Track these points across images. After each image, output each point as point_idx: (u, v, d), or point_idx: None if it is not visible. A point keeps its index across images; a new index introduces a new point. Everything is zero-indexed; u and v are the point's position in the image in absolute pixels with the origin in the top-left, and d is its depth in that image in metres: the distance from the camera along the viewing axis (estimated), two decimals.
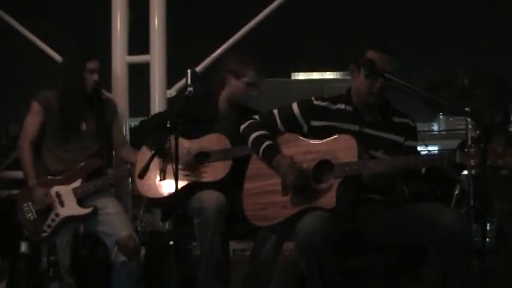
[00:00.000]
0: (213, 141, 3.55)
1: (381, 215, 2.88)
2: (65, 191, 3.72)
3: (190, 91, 3.19)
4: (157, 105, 4.84)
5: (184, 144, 3.51)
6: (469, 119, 3.95)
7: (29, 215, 3.71)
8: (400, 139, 3.01)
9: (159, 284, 3.94)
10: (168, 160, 3.33)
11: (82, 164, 3.78)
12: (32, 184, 3.71)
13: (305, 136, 3.05)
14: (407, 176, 2.88)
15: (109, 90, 4.80)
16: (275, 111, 3.15)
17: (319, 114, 3.05)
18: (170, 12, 4.94)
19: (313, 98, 3.10)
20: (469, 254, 2.74)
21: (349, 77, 3.08)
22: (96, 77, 3.81)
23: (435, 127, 40.92)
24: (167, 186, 3.46)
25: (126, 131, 4.63)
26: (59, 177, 3.76)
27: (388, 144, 2.98)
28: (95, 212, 3.68)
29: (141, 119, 4.00)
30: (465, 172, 3.72)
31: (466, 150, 2.67)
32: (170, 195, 3.38)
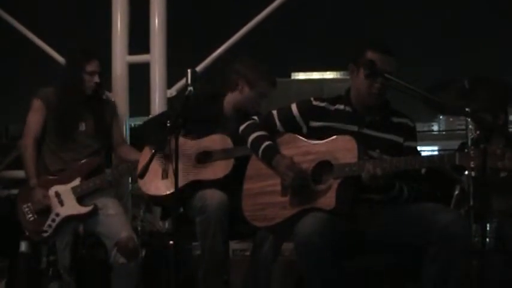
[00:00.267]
0: (215, 141, 3.55)
1: (381, 215, 2.88)
2: (64, 190, 3.72)
3: (190, 91, 3.19)
4: (157, 105, 4.84)
5: (187, 143, 3.51)
6: (469, 120, 3.94)
7: (29, 216, 3.71)
8: (399, 139, 3.00)
9: (159, 284, 3.94)
10: (169, 159, 3.33)
11: (81, 162, 3.78)
12: (32, 184, 3.71)
13: (304, 137, 3.05)
14: (407, 176, 2.88)
15: (109, 90, 4.80)
16: (274, 112, 3.15)
17: (318, 114, 3.05)
18: (170, 12, 4.95)
19: (312, 99, 3.10)
20: (469, 254, 2.74)
21: (349, 77, 3.07)
22: (96, 79, 3.80)
23: (435, 127, 40.94)
24: (168, 184, 3.46)
25: (126, 131, 4.63)
26: (58, 177, 3.76)
27: (387, 144, 2.97)
28: (95, 211, 3.68)
29: (141, 119, 4.01)
30: (466, 172, 3.71)
31: (466, 150, 2.67)
32: (172, 193, 3.38)
